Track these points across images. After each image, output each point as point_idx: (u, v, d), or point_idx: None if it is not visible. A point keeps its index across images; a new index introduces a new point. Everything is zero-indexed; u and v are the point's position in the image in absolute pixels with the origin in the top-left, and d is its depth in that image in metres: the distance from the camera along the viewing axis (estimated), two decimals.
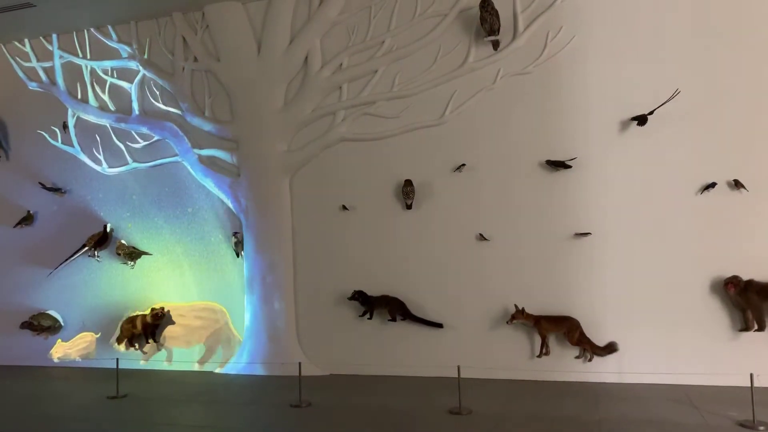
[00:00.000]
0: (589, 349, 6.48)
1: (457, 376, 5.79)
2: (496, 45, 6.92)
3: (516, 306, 6.63)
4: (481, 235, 6.92)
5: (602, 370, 6.46)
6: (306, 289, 7.59)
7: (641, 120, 6.41)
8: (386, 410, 5.75)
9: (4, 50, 8.86)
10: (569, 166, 6.65)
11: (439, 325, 6.99)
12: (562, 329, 6.56)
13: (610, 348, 6.43)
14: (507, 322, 6.70)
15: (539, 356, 6.64)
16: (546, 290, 6.71)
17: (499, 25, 6.81)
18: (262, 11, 7.63)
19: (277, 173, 7.66)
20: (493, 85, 6.95)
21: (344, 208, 7.43)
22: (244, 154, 7.77)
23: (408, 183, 7.10)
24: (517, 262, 6.83)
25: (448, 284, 7.04)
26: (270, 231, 7.65)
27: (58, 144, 8.59)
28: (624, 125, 6.56)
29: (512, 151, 6.88)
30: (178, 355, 7.94)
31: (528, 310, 6.61)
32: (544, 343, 6.60)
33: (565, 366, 6.58)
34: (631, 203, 6.51)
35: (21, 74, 8.80)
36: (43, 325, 8.39)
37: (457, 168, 7.00)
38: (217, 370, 7.64)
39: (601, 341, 6.48)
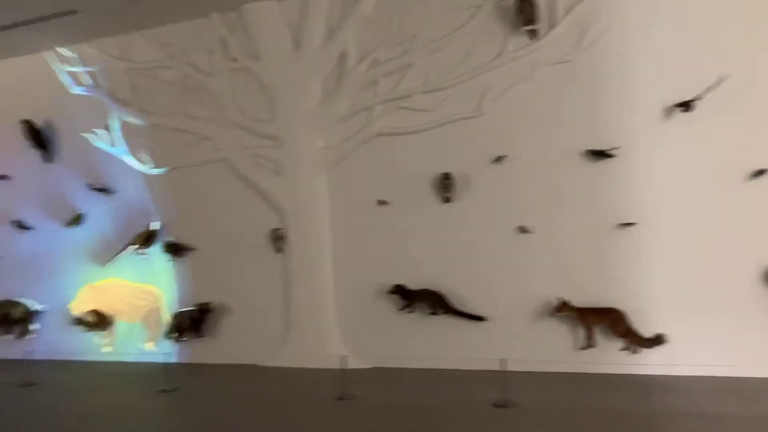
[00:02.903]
0: (635, 340, 6.38)
1: (500, 369, 5.78)
2: (533, 34, 6.82)
3: (559, 298, 6.57)
4: (523, 227, 6.86)
5: (649, 362, 6.35)
6: (346, 283, 7.66)
7: (687, 106, 6.24)
8: (430, 403, 5.79)
9: (50, 56, 9.13)
10: (612, 156, 6.53)
11: (481, 318, 6.97)
12: (607, 321, 6.47)
13: (658, 340, 6.32)
14: (550, 315, 6.64)
15: (584, 348, 6.57)
16: (590, 282, 6.62)
17: (537, 14, 6.72)
18: (298, 9, 7.68)
19: (315, 169, 7.74)
20: (531, 75, 6.85)
21: (382, 202, 7.46)
22: (283, 152, 7.87)
23: (446, 176, 7.08)
24: (560, 253, 6.76)
25: (490, 277, 7.01)
26: (309, 226, 7.75)
27: (104, 146, 8.84)
28: (669, 112, 6.40)
29: (553, 141, 6.79)
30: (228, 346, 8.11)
31: (572, 303, 6.54)
32: (589, 335, 6.52)
33: (611, 358, 6.49)
34: (677, 191, 6.37)
35: (66, 79, 9.06)
36: (92, 322, 8.67)
37: (497, 159, 6.94)
38: (262, 364, 7.79)
39: (647, 333, 6.37)
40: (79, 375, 7.98)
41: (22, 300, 9.15)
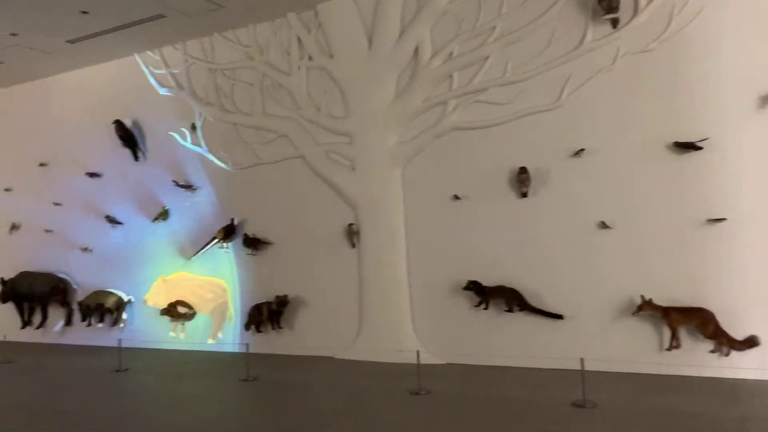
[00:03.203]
0: (726, 342, 6.04)
1: (578, 368, 5.62)
2: (615, 23, 6.58)
3: (643, 297, 6.32)
4: (603, 222, 6.64)
5: (742, 366, 5.98)
6: (420, 278, 7.67)
7: None
8: (507, 400, 5.72)
9: (139, 60, 9.63)
10: (700, 148, 6.21)
11: (559, 317, 6.81)
12: (694, 321, 6.16)
13: (751, 342, 5.96)
14: (633, 314, 6.40)
15: (669, 349, 6.29)
16: (676, 280, 6.33)
17: (619, 2, 6.47)
18: (372, 6, 7.75)
19: (389, 165, 7.79)
20: (612, 65, 6.61)
21: (456, 197, 7.42)
22: (358, 148, 7.97)
23: (523, 170, 6.95)
24: (643, 250, 6.49)
25: (568, 274, 6.83)
26: (383, 222, 7.81)
27: (188, 144, 9.25)
28: (762, 101, 6.01)
29: (636, 133, 6.53)
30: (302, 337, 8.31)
31: (656, 301, 6.28)
32: (675, 336, 6.24)
33: (699, 360, 6.18)
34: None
35: (153, 81, 9.54)
36: (179, 312, 9.10)
37: (576, 153, 6.75)
38: (337, 356, 7.94)
39: (739, 334, 6.03)
40: (165, 363, 8.40)
41: (114, 290, 9.71)
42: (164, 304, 9.18)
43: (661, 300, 6.29)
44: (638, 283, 6.44)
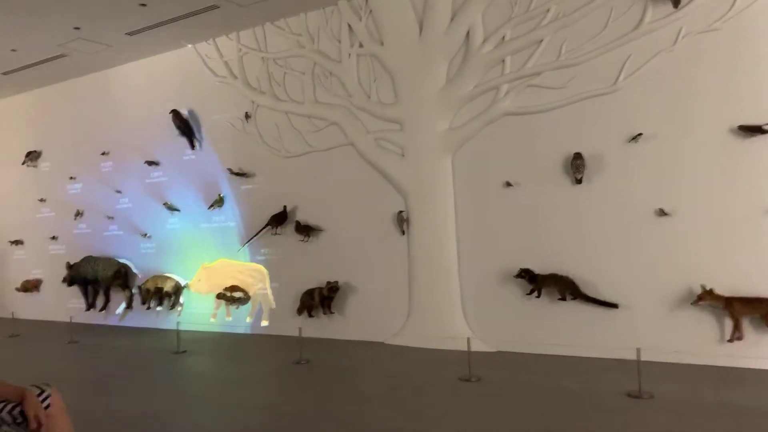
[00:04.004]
0: None
1: (633, 358, 5.48)
2: (676, 2, 6.32)
3: (703, 286, 6.11)
4: (661, 209, 6.44)
5: None
6: (470, 266, 7.63)
7: None
8: (560, 389, 5.65)
9: (194, 50, 9.87)
10: (767, 131, 5.93)
11: (614, 306, 6.66)
12: (759, 312, 5.91)
13: None
14: (692, 303, 6.20)
15: (730, 341, 6.07)
16: (738, 269, 6.08)
17: None
18: None
19: (439, 152, 7.75)
20: (673, 46, 6.37)
21: (508, 184, 7.33)
22: (408, 135, 7.96)
23: (577, 156, 6.80)
24: (705, 238, 6.26)
25: (624, 262, 6.66)
26: (433, 209, 7.79)
27: (242, 132, 9.44)
28: None
29: (697, 117, 6.28)
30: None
31: (717, 291, 6.07)
32: (737, 327, 6.01)
33: (763, 353, 5.94)
34: None
35: (209, 70, 9.75)
36: (234, 297, 9.35)
37: (633, 138, 6.55)
38: (388, 342, 8.00)
39: None
40: (221, 345, 8.67)
41: (172, 275, 10.05)
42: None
43: (723, 290, 6.07)
44: (699, 272, 6.22)
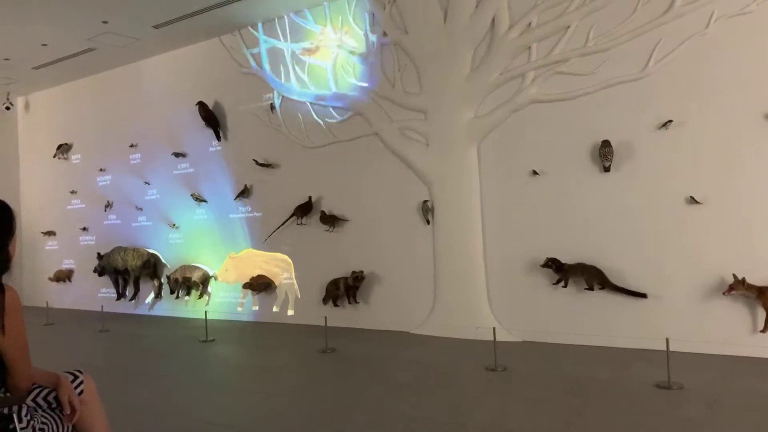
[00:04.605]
0: None
1: (662, 348, 5.41)
2: None
3: (735, 276, 5.98)
4: (692, 197, 6.31)
5: None
6: (496, 255, 7.58)
7: None
8: (587, 379, 5.60)
9: (220, 42, 9.93)
10: None
11: (643, 295, 6.56)
12: None
13: None
14: (724, 293, 6.08)
15: (763, 331, 5.95)
16: None
17: None
18: None
19: (464, 140, 7.70)
20: (705, 30, 6.21)
21: (535, 173, 7.25)
22: (433, 124, 7.92)
23: (606, 144, 6.69)
24: (736, 227, 6.12)
25: (653, 251, 6.55)
26: (459, 198, 7.75)
27: (267, 123, 9.49)
28: None
29: (730, 102, 6.12)
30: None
31: (749, 280, 5.94)
32: None
33: None
34: None
35: (233, 62, 9.82)
36: (261, 285, 9.45)
37: (663, 125, 6.42)
38: (414, 332, 8.01)
39: None
40: (248, 334, 8.79)
41: (200, 265, 10.19)
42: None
43: (756, 279, 5.94)
44: (731, 261, 6.10)
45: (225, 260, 9.83)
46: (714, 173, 6.24)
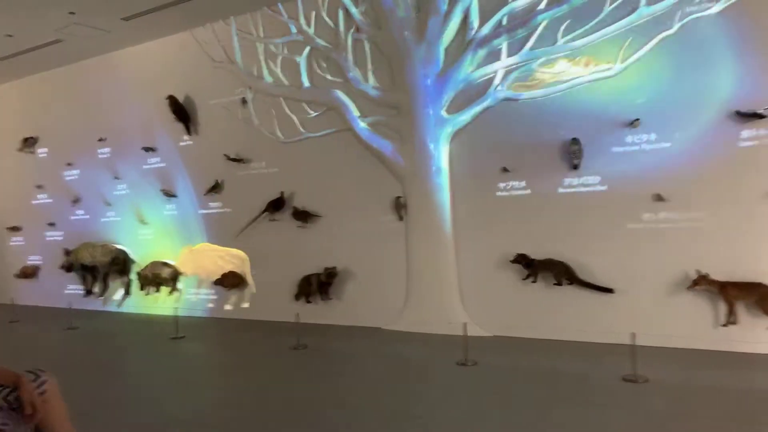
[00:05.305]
0: None
1: (628, 342, 5.54)
2: None
3: (698, 271, 6.14)
4: (658, 195, 6.44)
5: None
6: (467, 251, 7.65)
7: None
8: (555, 373, 5.70)
9: (191, 35, 9.79)
10: (765, 116, 5.92)
11: (610, 290, 6.69)
12: (753, 297, 5.95)
13: None
14: (688, 288, 6.23)
15: (725, 325, 6.12)
16: (733, 254, 6.11)
17: None
18: None
19: (436, 136, 7.73)
20: (672, 29, 6.33)
21: (505, 170, 7.32)
22: (405, 120, 7.93)
23: (575, 141, 6.79)
24: (700, 224, 6.29)
25: (620, 247, 6.68)
26: (431, 194, 7.79)
27: (239, 118, 9.40)
28: None
29: (696, 102, 6.26)
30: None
31: (712, 276, 6.09)
32: (731, 312, 6.06)
33: (756, 337, 5.99)
34: None
35: (205, 55, 9.68)
36: (234, 282, 9.38)
37: (631, 123, 6.54)
38: (386, 327, 8.04)
39: None
40: (219, 330, 8.73)
41: (170, 261, 10.07)
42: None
43: (718, 275, 6.10)
44: (694, 258, 6.25)
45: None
46: (678, 170, 6.37)
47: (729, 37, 6.11)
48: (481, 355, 6.30)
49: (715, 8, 6.12)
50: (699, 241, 6.29)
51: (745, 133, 6.06)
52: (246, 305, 9.30)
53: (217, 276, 9.47)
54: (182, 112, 9.92)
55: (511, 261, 7.17)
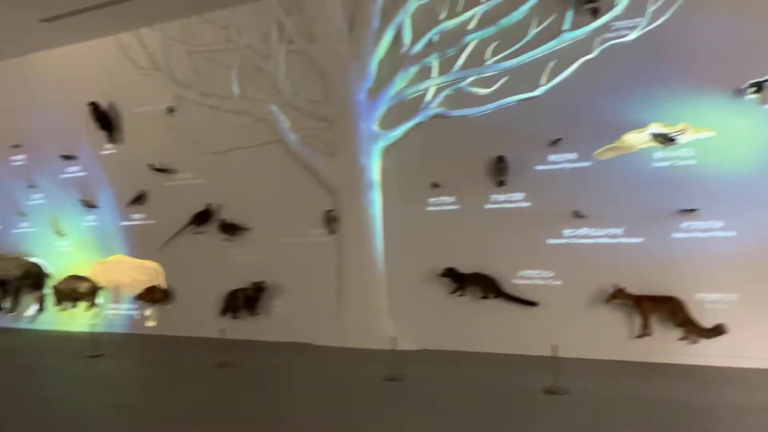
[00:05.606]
0: (694, 330, 6.18)
1: (551, 355, 5.71)
2: (595, 12, 6.61)
3: (615, 285, 6.42)
4: (577, 212, 6.71)
5: (709, 353, 6.15)
6: (398, 265, 7.69)
7: (759, 87, 5.94)
8: (481, 386, 5.78)
9: (115, 41, 9.44)
10: (673, 140, 6.29)
11: (533, 304, 6.89)
12: (665, 310, 6.29)
13: (718, 330, 6.09)
14: (605, 302, 6.51)
15: (639, 337, 6.41)
16: (648, 269, 6.44)
17: None
18: None
19: (368, 151, 7.76)
20: (592, 54, 6.66)
21: (435, 185, 7.43)
22: (337, 133, 7.93)
23: (501, 159, 6.99)
24: (616, 239, 6.60)
25: (544, 261, 6.92)
26: (362, 208, 7.79)
27: (166, 127, 9.11)
28: (738, 93, 6.10)
29: (612, 123, 6.58)
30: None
31: (628, 290, 6.39)
32: (645, 324, 6.36)
33: (668, 348, 6.32)
34: (744, 175, 6.09)
35: (131, 63, 9.35)
36: (155, 298, 9.03)
37: (553, 142, 6.80)
38: (314, 343, 7.94)
39: (707, 323, 6.16)
40: (140, 348, 8.35)
41: (89, 275, 9.59)
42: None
43: (634, 288, 6.40)
44: (611, 272, 6.54)
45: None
46: (595, 189, 6.68)
47: (643, 63, 6.47)
48: (410, 370, 6.32)
49: (631, 36, 6.48)
50: (616, 256, 6.59)
51: (658, 154, 6.42)
52: (169, 321, 8.96)
53: (139, 290, 9.10)
54: (105, 120, 9.52)
55: (439, 275, 7.26)
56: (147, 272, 9.19)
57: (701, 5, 6.24)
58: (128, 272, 9.30)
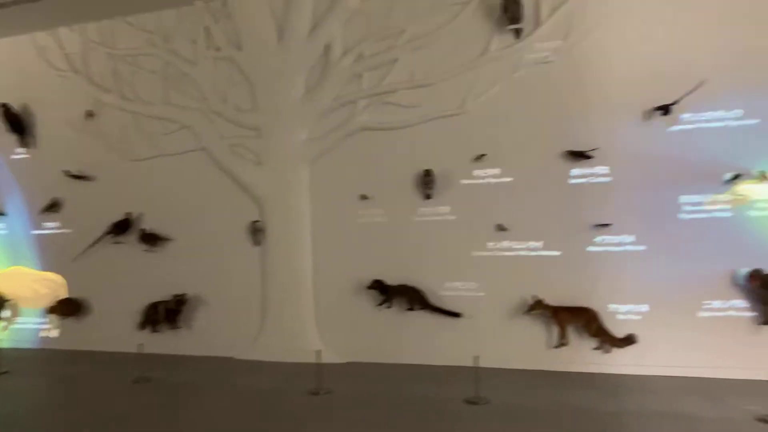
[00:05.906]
0: (607, 340, 6.45)
1: (473, 365, 5.82)
2: (518, 33, 6.86)
3: (534, 296, 6.62)
4: (500, 225, 6.90)
5: (621, 362, 6.44)
6: (325, 277, 7.64)
7: (665, 110, 6.32)
8: (404, 398, 5.80)
9: (30, 40, 8.97)
10: (590, 157, 6.59)
11: (457, 315, 7.01)
12: (581, 320, 6.53)
13: (629, 340, 6.39)
14: (524, 313, 6.70)
15: (557, 347, 6.63)
16: (565, 281, 6.68)
17: (522, 13, 6.76)
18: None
19: (297, 162, 7.70)
20: (515, 74, 6.89)
21: (364, 197, 7.46)
22: (265, 143, 7.82)
23: (428, 173, 7.09)
24: (536, 252, 6.82)
25: (467, 274, 7.05)
26: (289, 218, 7.71)
27: (83, 132, 8.71)
28: (648, 115, 6.46)
29: (533, 141, 6.83)
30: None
31: (546, 301, 6.60)
32: (562, 334, 6.59)
33: (584, 357, 6.56)
34: (654, 193, 6.45)
35: (47, 64, 8.90)
36: (69, 310, 8.57)
37: (477, 158, 6.98)
38: (237, 357, 7.75)
39: (619, 333, 6.45)
40: (50, 363, 7.90)
41: None
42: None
43: (552, 300, 6.62)
44: (531, 284, 6.75)
45: None
46: (517, 203, 6.88)
47: (564, 85, 6.75)
48: (335, 383, 6.27)
49: (552, 58, 6.75)
50: (536, 269, 6.81)
51: (575, 171, 6.70)
52: (83, 335, 8.51)
53: (49, 303, 8.61)
54: (17, 123, 9.00)
55: (367, 287, 7.27)
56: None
57: (617, 32, 6.58)
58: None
